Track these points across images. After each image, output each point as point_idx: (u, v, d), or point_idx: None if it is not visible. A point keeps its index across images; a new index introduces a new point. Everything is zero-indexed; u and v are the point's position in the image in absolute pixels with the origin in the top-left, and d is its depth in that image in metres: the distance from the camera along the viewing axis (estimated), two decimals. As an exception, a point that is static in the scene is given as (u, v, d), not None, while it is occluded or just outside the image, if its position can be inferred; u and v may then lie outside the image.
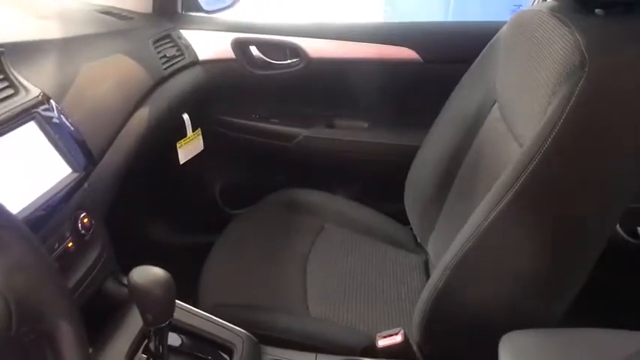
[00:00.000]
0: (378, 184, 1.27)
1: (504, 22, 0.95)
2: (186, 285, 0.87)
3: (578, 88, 0.64)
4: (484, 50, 1.01)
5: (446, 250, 0.93)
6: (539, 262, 0.72)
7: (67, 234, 0.71)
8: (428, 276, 1.08)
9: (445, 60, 1.22)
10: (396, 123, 1.30)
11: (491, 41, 1.00)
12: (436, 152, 1.07)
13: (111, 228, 0.82)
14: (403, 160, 1.15)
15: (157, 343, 0.72)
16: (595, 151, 0.66)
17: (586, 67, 0.64)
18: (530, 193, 0.68)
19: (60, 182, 0.69)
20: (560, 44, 0.70)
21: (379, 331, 0.87)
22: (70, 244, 0.71)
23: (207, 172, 1.46)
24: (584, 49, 0.66)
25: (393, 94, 1.28)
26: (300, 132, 1.35)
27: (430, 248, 1.10)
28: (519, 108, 0.82)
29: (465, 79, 1.05)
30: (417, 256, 1.13)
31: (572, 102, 0.65)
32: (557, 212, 0.69)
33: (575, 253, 0.72)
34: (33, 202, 0.64)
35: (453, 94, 1.07)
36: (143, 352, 0.74)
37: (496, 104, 0.94)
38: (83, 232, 0.73)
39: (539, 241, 0.70)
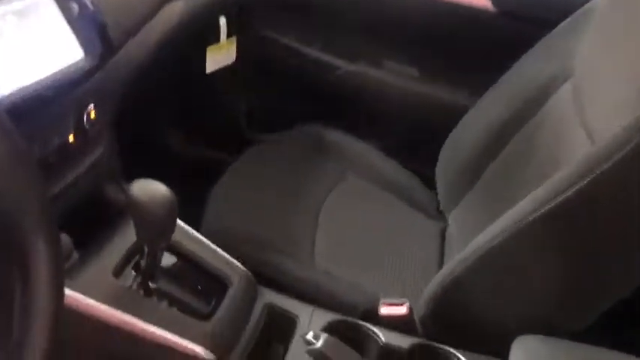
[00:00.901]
0: (414, 139, 1.17)
1: (605, -13, 0.81)
2: (193, 204, 0.81)
3: None
4: (572, 16, 0.88)
5: (471, 228, 0.86)
6: (582, 272, 0.64)
7: (70, 126, 0.63)
8: (443, 247, 1.01)
9: (523, 17, 1.08)
10: (451, 77, 1.18)
11: (584, 7, 0.86)
12: (485, 119, 0.97)
13: (120, 131, 0.75)
14: (448, 119, 1.05)
15: (148, 261, 0.67)
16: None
17: None
18: (596, 199, 0.59)
19: (70, 66, 0.60)
20: None
21: (384, 296, 0.81)
22: (71, 138, 0.63)
23: (236, 88, 1.36)
24: None
25: (453, 44, 1.15)
26: (343, 65, 1.23)
27: (452, 219, 1.03)
28: (600, 95, 0.71)
29: (541, 45, 0.92)
30: (436, 223, 1.06)
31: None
32: (625, 224, 0.60)
33: (628, 268, 0.64)
34: (36, 83, 0.56)
35: (522, 58, 0.94)
36: (132, 268, 0.69)
37: (569, 83, 0.82)
38: (87, 126, 0.65)
39: (591, 251, 0.62)
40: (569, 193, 0.59)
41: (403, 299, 0.77)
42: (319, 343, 0.56)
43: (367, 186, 1.08)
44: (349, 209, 1.02)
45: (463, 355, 0.71)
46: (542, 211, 0.61)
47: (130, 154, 0.78)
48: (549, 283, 0.67)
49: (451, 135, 1.04)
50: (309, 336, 0.57)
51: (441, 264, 0.97)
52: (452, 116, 1.04)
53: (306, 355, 0.68)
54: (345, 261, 0.91)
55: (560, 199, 0.60)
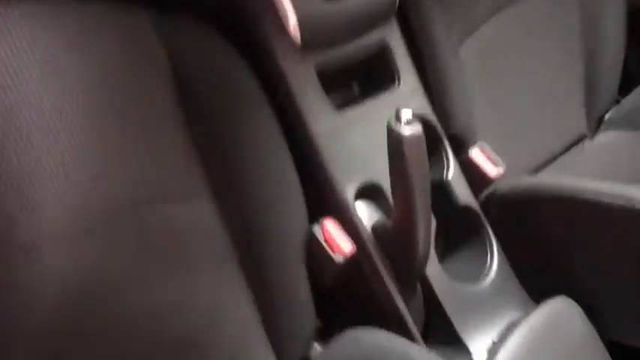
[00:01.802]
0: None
1: None
2: None
3: None
4: None
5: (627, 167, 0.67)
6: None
7: None
8: (568, 149, 0.84)
9: None
10: None
11: None
12: None
13: None
14: None
15: None
16: None
17: None
18: None
19: None
20: None
21: (492, 146, 0.66)
22: None
23: None
24: None
25: None
26: None
27: (604, 137, 0.86)
28: None
29: None
30: (584, 124, 0.86)
31: None
32: None
33: None
34: None
35: None
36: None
37: None
38: None
39: None
40: None
41: (502, 163, 0.63)
42: (406, 131, 0.44)
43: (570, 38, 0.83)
44: (530, 34, 0.80)
45: (498, 253, 0.61)
46: None
47: None
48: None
49: None
50: (405, 115, 0.44)
51: (550, 162, 0.82)
52: None
53: (379, 119, 0.55)
54: (481, 82, 0.74)
55: None
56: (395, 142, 0.44)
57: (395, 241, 0.52)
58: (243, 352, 0.51)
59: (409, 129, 0.44)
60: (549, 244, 0.63)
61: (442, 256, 0.60)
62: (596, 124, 0.88)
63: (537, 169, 0.79)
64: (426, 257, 0.52)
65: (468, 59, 0.73)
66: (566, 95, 0.85)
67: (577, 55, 0.85)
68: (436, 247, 0.58)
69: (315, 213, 0.55)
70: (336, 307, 0.59)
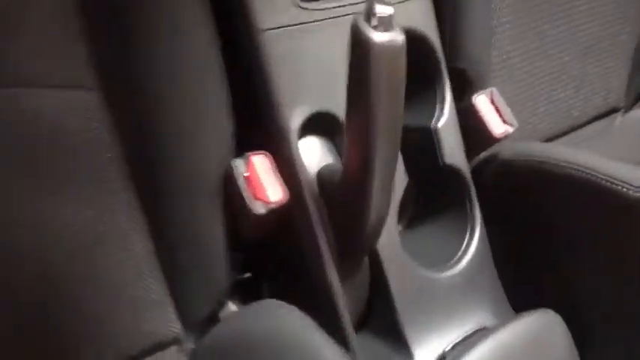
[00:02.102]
0: None
1: None
2: None
3: None
4: None
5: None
6: None
7: None
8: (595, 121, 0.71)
9: None
10: None
11: None
12: None
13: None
14: None
15: None
16: None
17: None
18: None
19: None
20: None
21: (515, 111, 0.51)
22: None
23: None
24: None
25: None
26: None
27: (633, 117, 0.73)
28: None
29: None
30: (616, 100, 0.72)
31: None
32: None
33: None
34: None
35: None
36: None
37: None
38: None
39: None
40: None
41: (514, 121, 0.48)
42: (377, 37, 0.28)
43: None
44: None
45: (480, 234, 0.47)
46: None
47: None
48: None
49: None
50: (380, 10, 0.28)
51: (570, 132, 0.69)
52: None
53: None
54: (510, 16, 0.58)
55: None
56: (357, 50, 0.28)
57: (343, 196, 0.38)
58: (129, 302, 0.39)
59: (383, 35, 0.28)
60: (547, 232, 0.50)
61: (407, 227, 0.46)
62: (635, 98, 0.76)
63: (553, 137, 0.65)
64: (382, 224, 0.38)
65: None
66: (609, 58, 0.71)
67: (635, 17, 0.70)
68: (402, 215, 0.44)
69: (245, 144, 0.40)
70: (261, 263, 0.47)
